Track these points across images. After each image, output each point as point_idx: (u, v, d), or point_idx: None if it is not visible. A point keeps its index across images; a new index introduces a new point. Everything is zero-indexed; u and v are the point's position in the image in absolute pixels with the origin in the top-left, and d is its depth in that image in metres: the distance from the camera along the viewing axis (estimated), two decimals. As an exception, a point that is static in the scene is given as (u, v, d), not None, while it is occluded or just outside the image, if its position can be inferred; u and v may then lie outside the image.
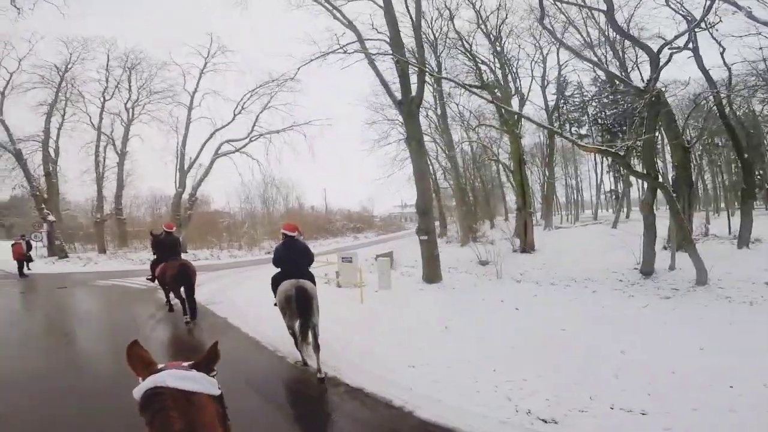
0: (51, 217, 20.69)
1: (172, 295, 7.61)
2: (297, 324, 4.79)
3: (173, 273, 7.09)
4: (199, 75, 23.86)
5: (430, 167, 20.57)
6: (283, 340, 5.61)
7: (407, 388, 4.04)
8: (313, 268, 5.72)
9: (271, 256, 5.60)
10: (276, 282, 5.32)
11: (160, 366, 1.01)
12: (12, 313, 8.62)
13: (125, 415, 3.17)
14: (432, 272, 10.00)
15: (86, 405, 3.76)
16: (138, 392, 0.95)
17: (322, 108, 32.83)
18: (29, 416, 3.63)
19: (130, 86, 22.97)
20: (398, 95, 10.62)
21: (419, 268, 10.62)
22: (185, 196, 23.44)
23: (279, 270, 5.35)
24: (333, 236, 32.64)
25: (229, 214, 30.49)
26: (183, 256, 8.56)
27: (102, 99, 22.39)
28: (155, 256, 8.07)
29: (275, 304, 5.55)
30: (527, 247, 13.97)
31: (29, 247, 15.81)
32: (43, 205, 20.81)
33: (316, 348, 4.65)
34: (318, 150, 28.27)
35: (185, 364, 1.03)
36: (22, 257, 14.86)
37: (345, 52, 10.81)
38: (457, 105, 20.21)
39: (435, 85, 17.14)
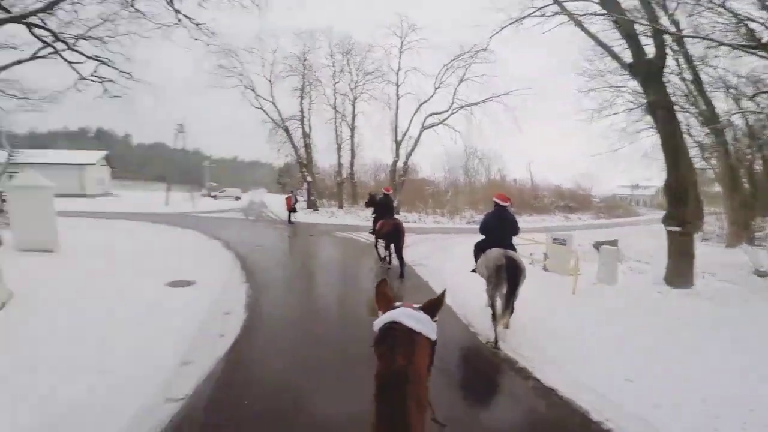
0: (309, 178, 27.09)
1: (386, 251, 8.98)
2: (499, 294, 4.82)
3: (388, 230, 8.34)
4: (399, 54, 25.79)
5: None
6: (480, 315, 5.62)
7: (615, 403, 3.45)
8: (516, 244, 5.58)
9: (472, 225, 5.81)
10: (480, 248, 5.47)
11: (396, 304, 1.17)
12: (282, 255, 10.91)
13: (356, 359, 3.80)
14: (680, 273, 7.81)
15: (329, 350, 4.30)
16: (378, 324, 1.12)
17: (525, 78, 30.49)
18: (288, 359, 4.13)
19: (350, 69, 26.96)
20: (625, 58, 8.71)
21: (656, 266, 8.52)
22: (399, 164, 26.32)
23: (483, 237, 5.50)
24: (538, 213, 30.42)
25: (434, 183, 32.52)
26: (396, 216, 9.72)
27: (333, 81, 27.14)
28: (375, 214, 9.38)
29: (473, 270, 5.74)
30: None
31: (295, 200, 21.10)
32: (304, 169, 27.36)
33: (511, 311, 4.88)
34: (521, 121, 26.44)
35: (415, 305, 1.16)
36: (290, 208, 19.43)
37: (543, 15, 9.43)
38: (715, 68, 14.70)
39: (675, 46, 12.96)
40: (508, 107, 23.93)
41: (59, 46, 10.43)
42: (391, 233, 8.30)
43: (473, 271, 5.81)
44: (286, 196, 20.44)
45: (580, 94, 19.66)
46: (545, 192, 34.31)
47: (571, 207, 33.33)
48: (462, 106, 25.12)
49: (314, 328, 5.17)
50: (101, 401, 3.18)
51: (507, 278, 4.73)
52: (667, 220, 8.20)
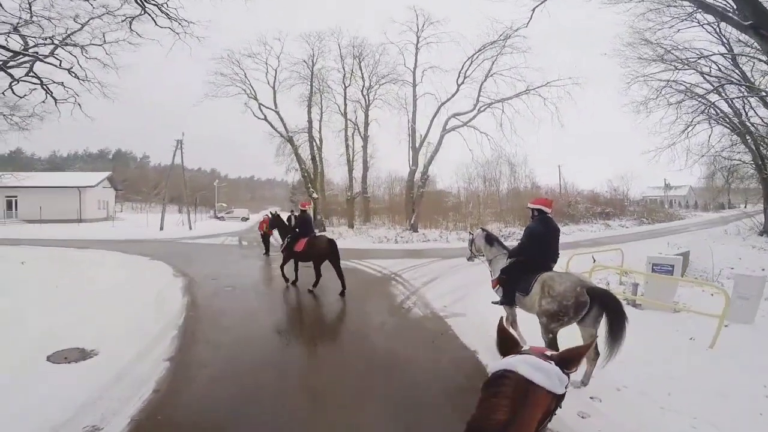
0: (315, 195, 24.43)
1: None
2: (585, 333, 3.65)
3: (322, 248, 7.76)
4: (415, 50, 23.29)
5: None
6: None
7: None
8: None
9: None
10: (517, 272, 4.17)
11: (524, 348, 1.01)
12: (254, 300, 7.53)
13: None
14: None
15: None
16: (492, 368, 0.96)
17: (561, 70, 27.63)
18: None
19: (362, 74, 24.51)
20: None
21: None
22: (417, 175, 23.49)
23: (519, 258, 4.28)
24: (574, 222, 27.01)
25: (454, 195, 29.62)
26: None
27: (343, 86, 24.70)
28: (295, 232, 8.41)
29: (500, 302, 4.44)
30: None
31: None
32: (310, 185, 24.80)
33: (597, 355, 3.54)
34: (564, 115, 23.58)
35: (548, 352, 0.99)
36: (266, 233, 14.13)
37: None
38: None
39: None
40: (548, 101, 21.37)
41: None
42: (325, 251, 7.69)
43: (501, 303, 4.45)
44: (263, 217, 14.61)
45: (624, 87, 17.43)
46: (578, 198, 30.91)
47: (608, 213, 29.97)
48: (489, 104, 22.29)
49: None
50: None
51: (612, 324, 3.35)
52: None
